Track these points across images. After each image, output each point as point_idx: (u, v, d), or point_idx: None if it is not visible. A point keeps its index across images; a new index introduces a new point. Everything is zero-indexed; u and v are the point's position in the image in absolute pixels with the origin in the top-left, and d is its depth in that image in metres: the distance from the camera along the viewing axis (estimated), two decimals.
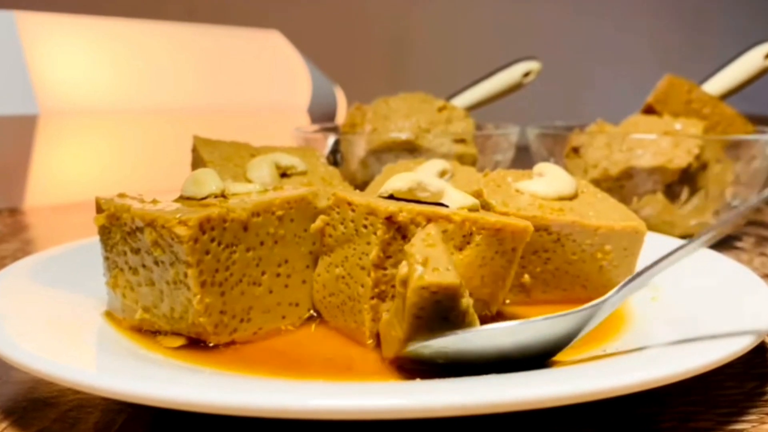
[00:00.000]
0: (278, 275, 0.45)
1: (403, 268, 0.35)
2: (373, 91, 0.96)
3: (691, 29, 2.20)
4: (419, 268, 0.34)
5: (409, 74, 2.15)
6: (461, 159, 0.81)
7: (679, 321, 0.42)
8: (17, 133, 0.97)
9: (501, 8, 2.13)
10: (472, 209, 0.44)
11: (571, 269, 0.51)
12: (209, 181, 0.45)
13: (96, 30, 1.11)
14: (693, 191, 0.72)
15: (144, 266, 0.42)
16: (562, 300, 0.52)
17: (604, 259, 0.51)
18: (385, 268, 0.41)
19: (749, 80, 0.82)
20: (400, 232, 0.41)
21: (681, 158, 0.70)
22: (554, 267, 0.51)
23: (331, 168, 0.60)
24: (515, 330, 0.35)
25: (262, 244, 0.44)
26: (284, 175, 0.56)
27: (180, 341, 0.41)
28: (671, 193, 0.71)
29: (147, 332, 0.43)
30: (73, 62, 1.04)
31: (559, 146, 0.80)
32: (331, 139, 0.86)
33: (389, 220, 0.40)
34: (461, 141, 0.84)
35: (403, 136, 0.82)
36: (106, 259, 0.45)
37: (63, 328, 0.40)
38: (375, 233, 0.41)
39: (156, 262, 0.41)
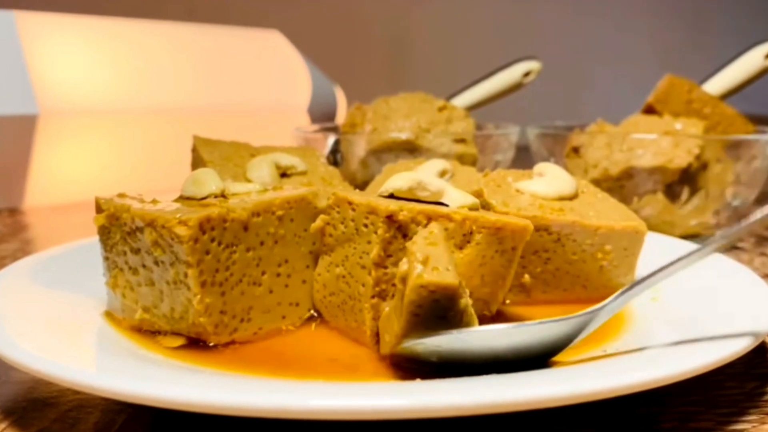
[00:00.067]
0: (278, 275, 0.45)
1: (403, 265, 0.35)
2: (373, 91, 0.96)
3: (691, 29, 2.20)
4: (419, 267, 0.34)
5: (409, 74, 2.15)
6: (461, 159, 0.81)
7: (679, 321, 0.42)
8: (17, 133, 0.97)
9: (501, 8, 2.13)
10: (472, 208, 0.44)
11: (572, 269, 0.51)
12: (209, 181, 0.45)
13: (96, 30, 1.11)
14: (693, 191, 0.72)
15: (144, 266, 0.42)
16: (563, 300, 0.52)
17: (604, 259, 0.51)
18: (385, 267, 0.41)
19: (749, 80, 0.82)
20: (400, 230, 0.41)
21: (681, 158, 0.70)
22: (554, 267, 0.51)
23: (331, 168, 0.60)
24: (510, 332, 0.35)
25: (262, 244, 0.44)
26: (284, 175, 0.56)
27: (180, 341, 0.41)
28: (671, 193, 0.71)
29: (147, 332, 0.43)
30: (72, 62, 1.04)
31: (560, 146, 0.80)
32: (331, 139, 0.86)
33: (390, 218, 0.40)
34: (461, 141, 0.84)
35: (403, 136, 0.82)
36: (106, 259, 0.45)
37: (63, 329, 0.40)
38: (376, 232, 0.41)
39: (156, 262, 0.41)
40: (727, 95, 0.82)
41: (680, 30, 2.19)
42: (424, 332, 0.35)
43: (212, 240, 0.41)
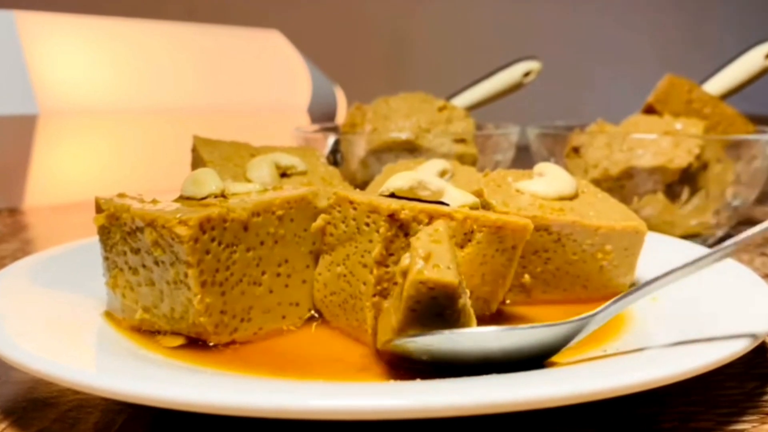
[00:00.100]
0: (278, 275, 0.45)
1: (405, 260, 0.35)
2: (373, 91, 0.96)
3: (691, 29, 2.20)
4: (420, 262, 0.34)
5: (409, 74, 2.15)
6: (461, 159, 0.81)
7: (679, 321, 0.42)
8: (17, 133, 0.97)
9: (501, 8, 2.13)
10: (472, 208, 0.44)
11: (572, 269, 0.51)
12: (209, 181, 0.45)
13: (96, 30, 1.11)
14: (693, 191, 0.72)
15: (144, 266, 0.42)
16: (563, 300, 0.52)
17: (604, 259, 0.51)
18: (387, 266, 0.41)
19: (750, 80, 0.82)
20: (402, 229, 0.41)
21: (681, 158, 0.70)
22: (555, 267, 0.51)
23: (331, 168, 0.60)
24: (501, 335, 0.35)
25: (262, 243, 0.44)
26: (284, 175, 0.56)
27: (180, 341, 0.41)
28: (672, 192, 0.71)
29: (147, 332, 0.43)
30: (72, 62, 1.04)
31: (560, 146, 0.80)
32: (331, 139, 0.86)
33: (392, 217, 0.40)
34: (461, 141, 0.84)
35: (403, 135, 0.82)
36: (106, 259, 0.44)
37: (63, 329, 0.40)
38: (378, 231, 0.41)
39: (156, 262, 0.41)
40: (727, 95, 0.82)
41: (680, 30, 2.19)
42: (420, 328, 0.35)
43: (212, 240, 0.41)
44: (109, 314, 0.45)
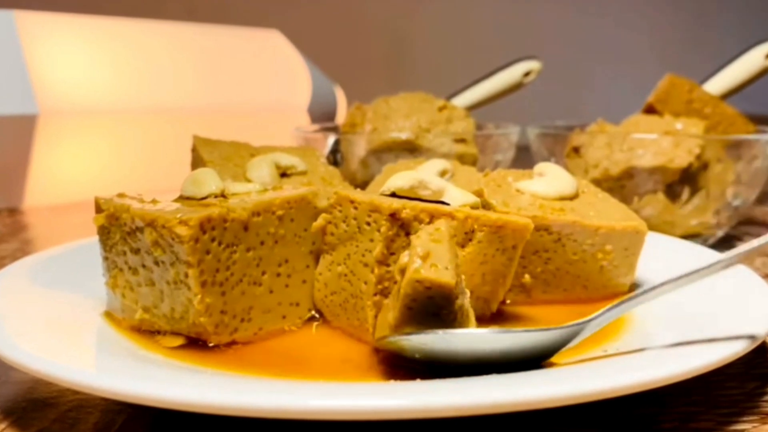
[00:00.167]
0: (279, 275, 0.45)
1: (404, 258, 0.35)
2: (373, 91, 0.96)
3: (691, 28, 2.20)
4: (418, 261, 0.34)
5: (409, 74, 2.15)
6: (462, 159, 0.81)
7: (679, 321, 0.42)
8: (17, 133, 0.97)
9: (501, 8, 2.13)
10: (473, 207, 0.44)
11: (572, 269, 0.51)
12: (209, 180, 0.45)
13: (96, 30, 1.11)
14: (694, 191, 0.72)
15: (144, 266, 0.42)
16: (563, 300, 0.52)
17: (604, 259, 0.51)
18: (388, 265, 0.41)
19: (750, 80, 0.82)
20: (403, 228, 0.41)
21: (682, 158, 0.70)
22: (555, 267, 0.51)
23: (331, 168, 0.60)
24: (495, 338, 0.35)
25: (262, 243, 0.44)
26: (284, 174, 0.56)
27: (179, 341, 0.41)
28: (672, 192, 0.71)
29: (147, 332, 0.43)
30: (72, 62, 1.04)
31: (560, 146, 0.80)
32: (331, 139, 0.86)
33: (393, 216, 0.40)
34: (462, 141, 0.84)
35: (404, 135, 0.82)
36: (106, 259, 0.44)
37: (62, 329, 0.40)
38: (379, 230, 0.41)
39: (156, 262, 0.41)
40: (727, 95, 0.82)
41: (681, 29, 2.19)
42: (416, 327, 0.35)
43: (213, 240, 0.41)
44: (109, 314, 0.45)
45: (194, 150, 0.59)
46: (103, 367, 0.36)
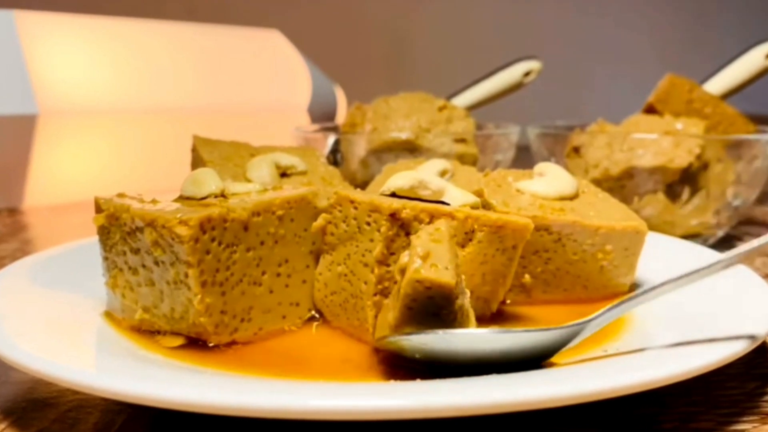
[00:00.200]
0: (278, 275, 0.45)
1: (404, 258, 0.35)
2: (373, 91, 0.96)
3: (691, 28, 2.20)
4: (418, 261, 0.34)
5: (409, 74, 2.15)
6: (462, 159, 0.81)
7: (680, 321, 0.42)
8: (16, 133, 0.97)
9: (501, 8, 2.13)
10: (473, 207, 0.44)
11: (572, 269, 0.51)
12: (209, 180, 0.45)
13: (96, 29, 1.11)
14: (694, 191, 0.72)
15: (144, 266, 0.42)
16: (563, 300, 0.51)
17: (604, 259, 0.51)
18: (388, 265, 0.41)
19: (750, 80, 0.82)
20: (403, 228, 0.41)
21: (682, 158, 0.70)
22: (555, 267, 0.51)
23: (331, 168, 0.60)
24: (494, 338, 0.35)
25: (262, 243, 0.44)
26: (284, 174, 0.56)
27: (179, 341, 0.41)
28: (672, 192, 0.71)
29: (147, 332, 0.43)
30: (72, 62, 1.04)
31: (560, 146, 0.80)
32: (331, 139, 0.86)
33: (393, 216, 0.40)
34: (462, 141, 0.84)
35: (404, 135, 0.82)
36: (106, 259, 0.44)
37: (62, 329, 0.40)
38: (379, 230, 0.41)
39: (156, 262, 0.41)
40: (727, 95, 0.82)
41: (681, 29, 2.19)
42: (416, 327, 0.35)
43: (213, 240, 0.41)
44: (108, 314, 0.45)
45: (194, 150, 0.59)
46: (103, 367, 0.36)
